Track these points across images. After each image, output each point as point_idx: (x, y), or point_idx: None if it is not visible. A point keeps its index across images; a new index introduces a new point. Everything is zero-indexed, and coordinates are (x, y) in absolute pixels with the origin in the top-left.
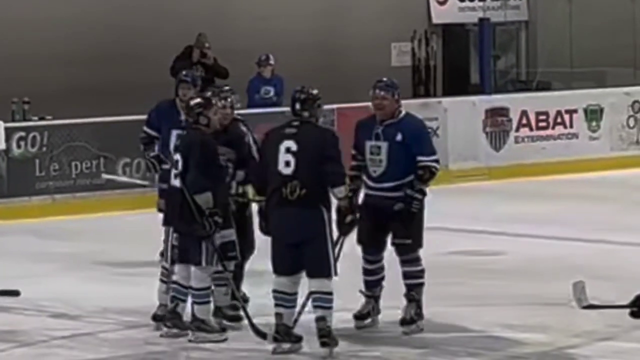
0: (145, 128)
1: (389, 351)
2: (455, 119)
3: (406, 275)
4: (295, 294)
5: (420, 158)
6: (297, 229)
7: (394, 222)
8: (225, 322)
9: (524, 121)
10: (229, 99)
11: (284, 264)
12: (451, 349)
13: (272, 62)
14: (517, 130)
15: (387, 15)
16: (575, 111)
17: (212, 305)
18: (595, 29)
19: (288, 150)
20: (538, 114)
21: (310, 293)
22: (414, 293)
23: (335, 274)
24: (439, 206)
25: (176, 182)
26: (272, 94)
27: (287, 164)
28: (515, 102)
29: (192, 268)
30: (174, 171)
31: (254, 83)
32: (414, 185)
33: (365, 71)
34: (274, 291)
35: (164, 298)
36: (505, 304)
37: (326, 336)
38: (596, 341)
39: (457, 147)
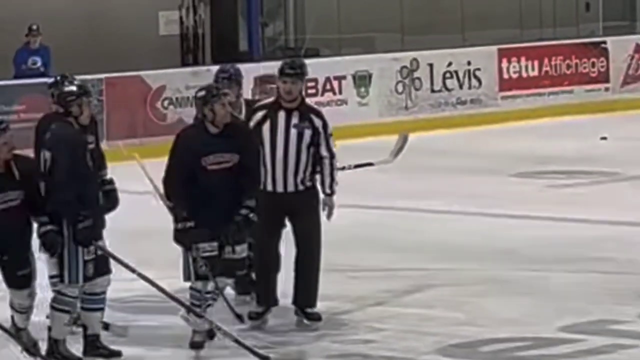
0: None
1: None
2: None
3: None
4: None
5: None
6: None
7: None
8: None
9: None
10: None
11: None
12: None
13: (41, 32)
14: None
15: None
16: (344, 77)
17: None
18: None
19: None
20: (307, 80)
21: None
22: None
23: None
24: None
25: None
26: (39, 64)
27: None
28: None
29: None
30: None
31: (22, 54)
32: None
33: (133, 41)
34: None
35: None
36: None
37: None
38: (369, 306)
39: None
